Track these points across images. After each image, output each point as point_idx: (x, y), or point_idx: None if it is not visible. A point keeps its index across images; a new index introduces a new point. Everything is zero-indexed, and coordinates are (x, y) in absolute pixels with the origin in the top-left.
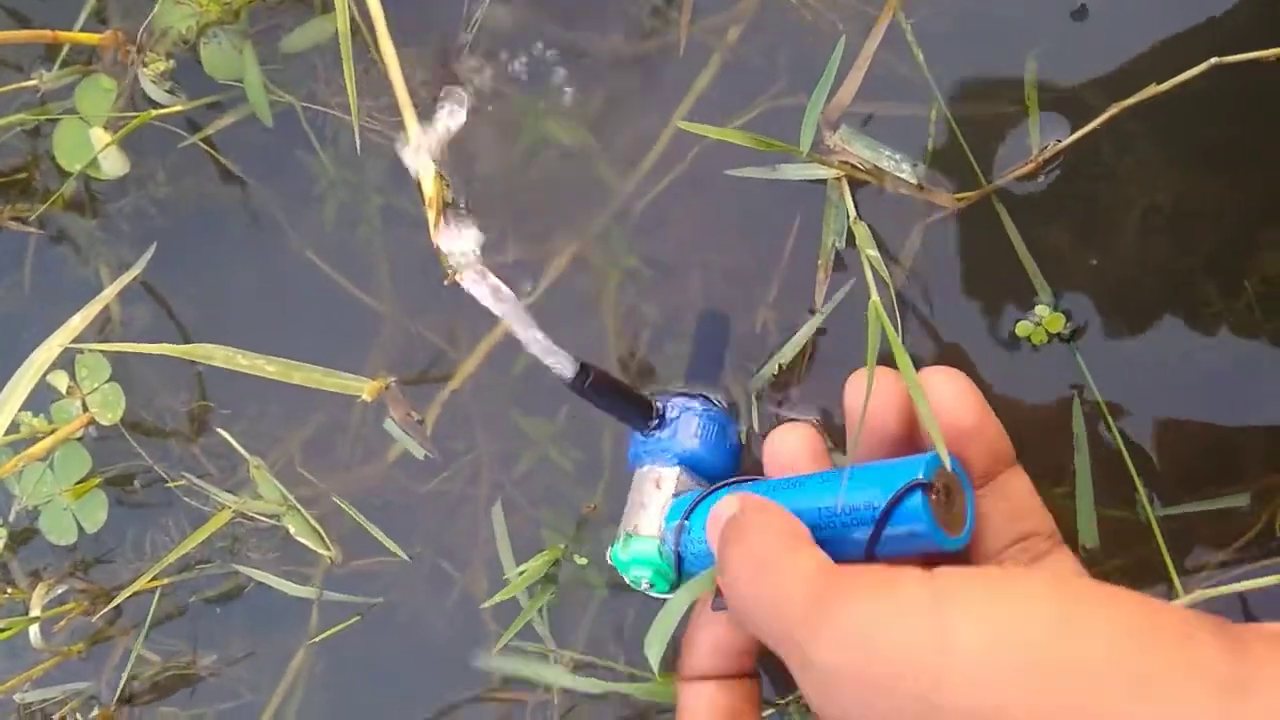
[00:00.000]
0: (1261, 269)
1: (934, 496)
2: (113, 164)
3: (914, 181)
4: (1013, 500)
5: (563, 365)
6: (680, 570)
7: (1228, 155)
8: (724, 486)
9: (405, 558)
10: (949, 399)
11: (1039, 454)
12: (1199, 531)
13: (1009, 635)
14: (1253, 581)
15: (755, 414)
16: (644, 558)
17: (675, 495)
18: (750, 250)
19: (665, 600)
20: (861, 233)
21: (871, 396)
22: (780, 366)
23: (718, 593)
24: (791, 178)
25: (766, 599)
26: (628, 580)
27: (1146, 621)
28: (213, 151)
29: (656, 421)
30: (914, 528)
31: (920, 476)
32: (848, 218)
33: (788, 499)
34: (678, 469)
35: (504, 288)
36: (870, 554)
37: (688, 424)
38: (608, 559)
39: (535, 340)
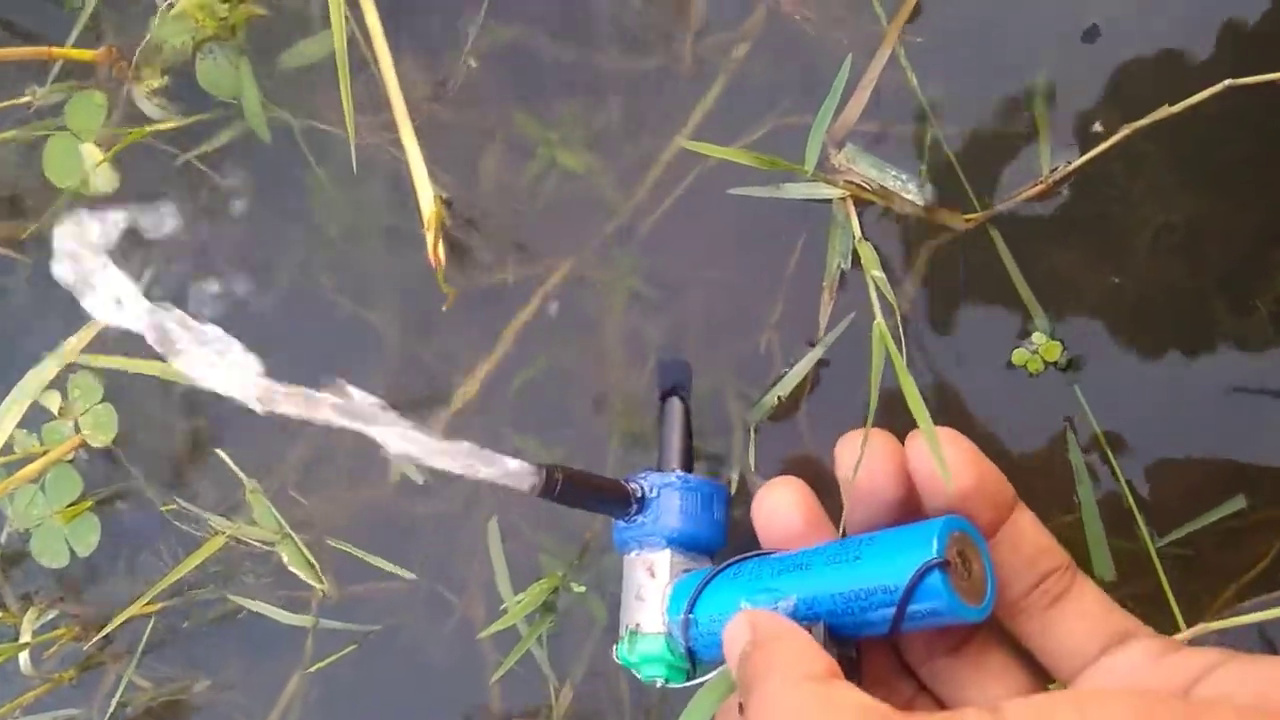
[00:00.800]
0: (1274, 289)
1: (952, 570)
2: (104, 180)
3: (920, 202)
4: (1024, 543)
5: (523, 478)
6: (695, 660)
7: (1240, 176)
8: (723, 569)
9: (410, 576)
10: (949, 463)
11: (1046, 483)
12: (1209, 561)
13: None
14: (1257, 615)
15: (752, 451)
16: (653, 657)
17: (672, 579)
18: (754, 270)
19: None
20: (867, 253)
21: (867, 461)
22: (779, 399)
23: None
24: (795, 197)
25: None
26: (641, 677)
27: None
28: (208, 169)
29: (636, 506)
30: (935, 605)
31: (934, 554)
32: (853, 238)
33: (796, 585)
34: (668, 550)
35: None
36: (892, 635)
37: (669, 502)
38: (614, 658)
39: (486, 465)
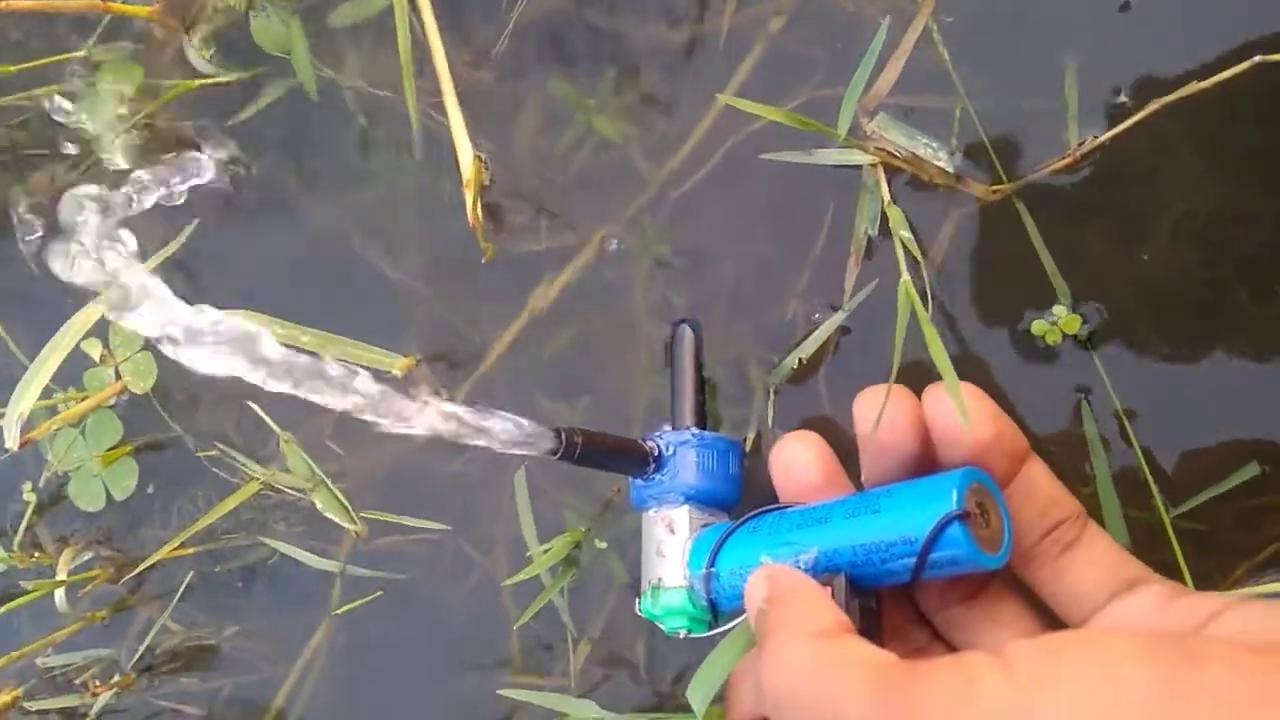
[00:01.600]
0: None
1: (971, 520)
2: (121, 155)
3: (950, 169)
4: (1037, 493)
5: (542, 442)
6: (716, 611)
7: (1267, 159)
8: (742, 523)
9: (441, 528)
10: (969, 415)
11: (1063, 453)
12: (1224, 539)
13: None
14: (1266, 587)
15: (771, 410)
16: (676, 609)
17: (691, 535)
18: (783, 240)
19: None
20: (895, 215)
21: (887, 414)
22: (800, 361)
23: None
24: (827, 162)
25: (823, 697)
26: (664, 630)
27: (1259, 691)
28: (254, 126)
29: (653, 465)
30: (955, 554)
31: (954, 505)
32: (881, 204)
33: (816, 538)
34: (686, 507)
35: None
36: (913, 583)
37: (685, 460)
38: (638, 611)
39: (504, 431)
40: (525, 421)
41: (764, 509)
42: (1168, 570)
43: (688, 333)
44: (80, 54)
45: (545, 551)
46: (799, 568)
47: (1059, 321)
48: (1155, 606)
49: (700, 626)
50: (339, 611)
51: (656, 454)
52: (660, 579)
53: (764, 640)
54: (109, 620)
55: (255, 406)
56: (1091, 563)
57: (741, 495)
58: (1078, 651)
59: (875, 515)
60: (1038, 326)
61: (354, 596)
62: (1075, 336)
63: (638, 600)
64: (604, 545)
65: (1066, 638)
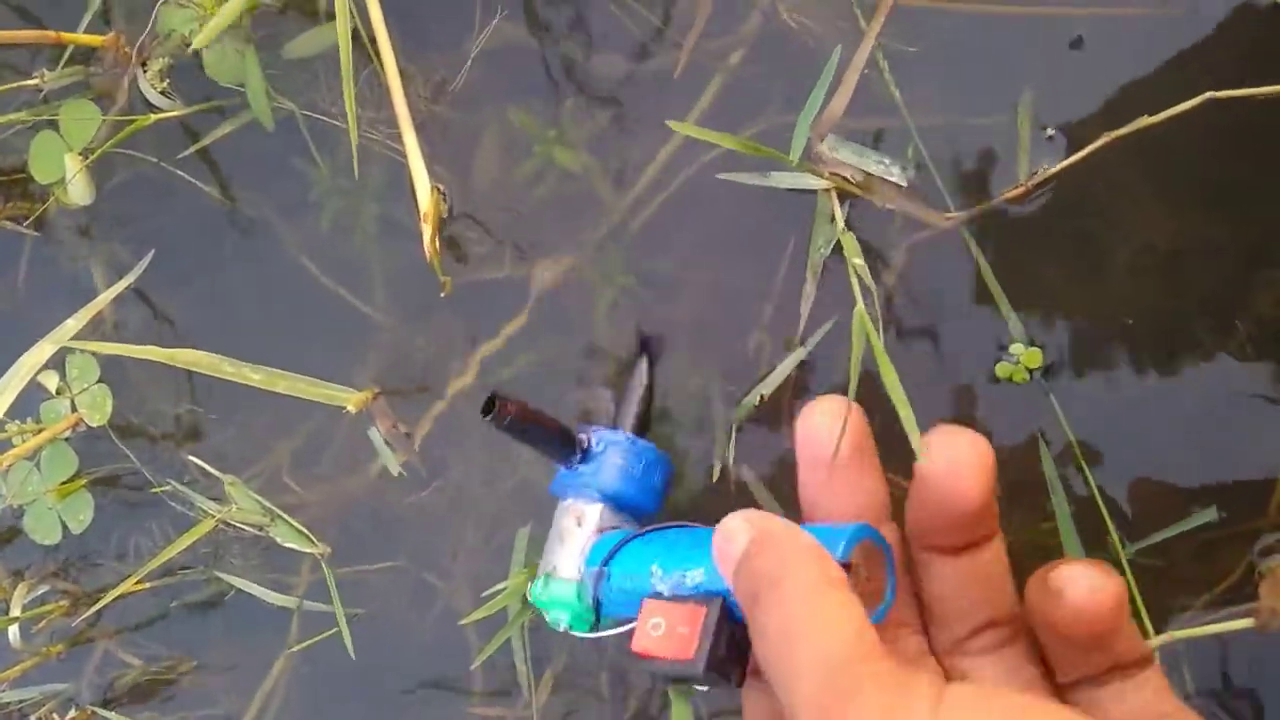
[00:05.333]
0: (1254, 310)
1: (852, 573)
2: (79, 192)
3: (902, 184)
4: (987, 582)
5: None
6: (599, 614)
7: (1222, 193)
8: (645, 532)
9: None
10: (964, 467)
11: (1026, 487)
12: (1182, 573)
13: None
14: (1222, 625)
15: (732, 447)
16: (562, 601)
17: (597, 532)
18: (744, 272)
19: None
20: (849, 243)
21: (829, 426)
22: (762, 398)
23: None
24: (782, 185)
25: (788, 669)
26: (547, 619)
27: None
28: (210, 157)
29: (579, 455)
30: None
31: (839, 558)
32: (836, 230)
33: (706, 560)
34: (600, 505)
35: None
36: None
37: (612, 459)
38: (527, 597)
39: None
40: None
41: (669, 524)
42: (1134, 604)
43: (651, 346)
44: (33, 82)
45: (500, 591)
46: (681, 587)
47: (1020, 359)
48: None
49: (582, 625)
50: (296, 649)
51: (585, 445)
52: (556, 568)
53: (762, 589)
54: (65, 655)
55: (195, 459)
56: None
57: (660, 509)
58: (1011, 709)
59: None
60: (1002, 369)
61: (314, 627)
62: (1039, 369)
63: (529, 586)
64: None
65: (1003, 698)
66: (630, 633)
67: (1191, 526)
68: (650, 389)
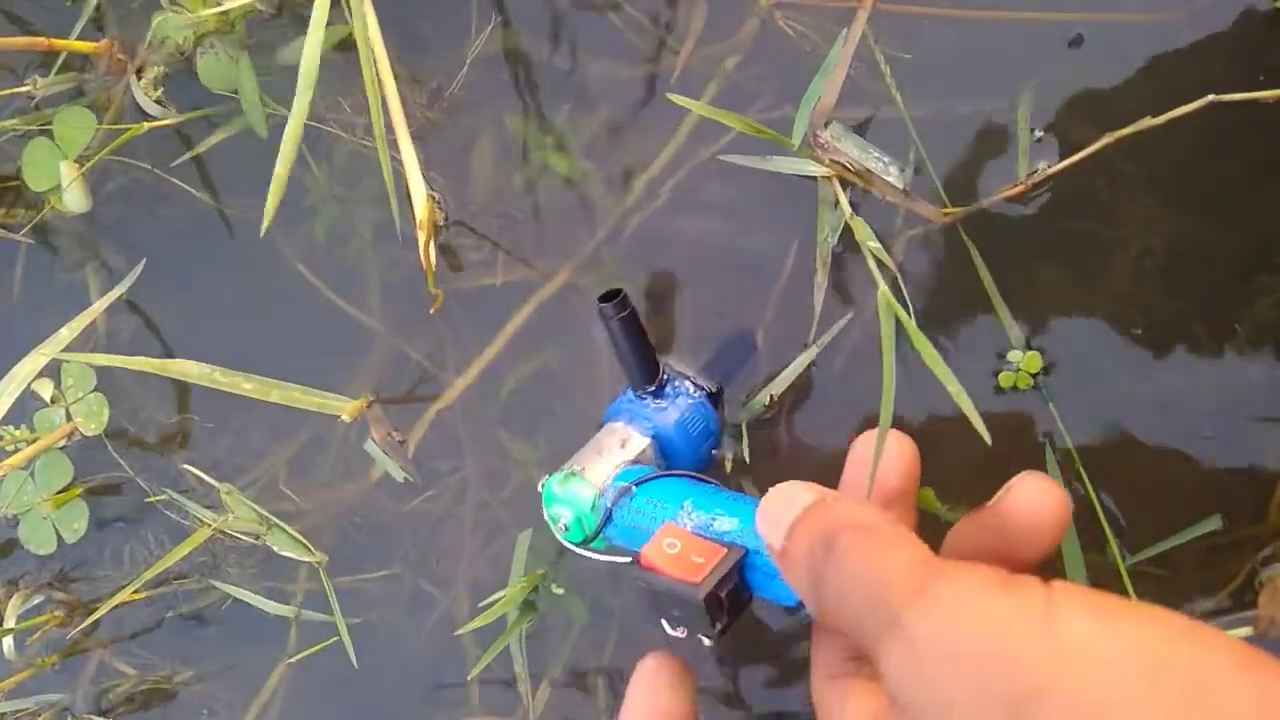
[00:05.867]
0: (1254, 313)
1: None
2: (75, 200)
3: (900, 185)
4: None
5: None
6: (603, 529)
7: (1223, 196)
8: (686, 475)
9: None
10: (1048, 517)
11: None
12: (1186, 580)
13: (1127, 633)
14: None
15: (746, 444)
16: (576, 500)
17: (634, 462)
18: (746, 275)
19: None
20: (859, 226)
21: (877, 455)
22: (772, 398)
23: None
24: (783, 170)
25: (874, 575)
26: (545, 515)
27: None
28: (205, 165)
29: (654, 388)
30: None
31: None
32: (843, 216)
33: (742, 515)
34: (649, 441)
35: None
36: (798, 609)
37: (680, 406)
38: (538, 486)
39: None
40: None
41: (702, 477)
42: None
43: (750, 340)
44: (26, 89)
45: (498, 600)
46: (709, 529)
47: (1020, 365)
48: None
49: (578, 533)
50: (293, 659)
51: (664, 380)
52: (583, 468)
53: (837, 531)
54: (60, 665)
55: (191, 468)
56: None
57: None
58: (1114, 597)
59: None
60: (1005, 379)
61: (311, 636)
62: (1037, 375)
63: (546, 475)
64: (561, 590)
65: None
66: (616, 564)
67: (1194, 536)
68: (745, 362)
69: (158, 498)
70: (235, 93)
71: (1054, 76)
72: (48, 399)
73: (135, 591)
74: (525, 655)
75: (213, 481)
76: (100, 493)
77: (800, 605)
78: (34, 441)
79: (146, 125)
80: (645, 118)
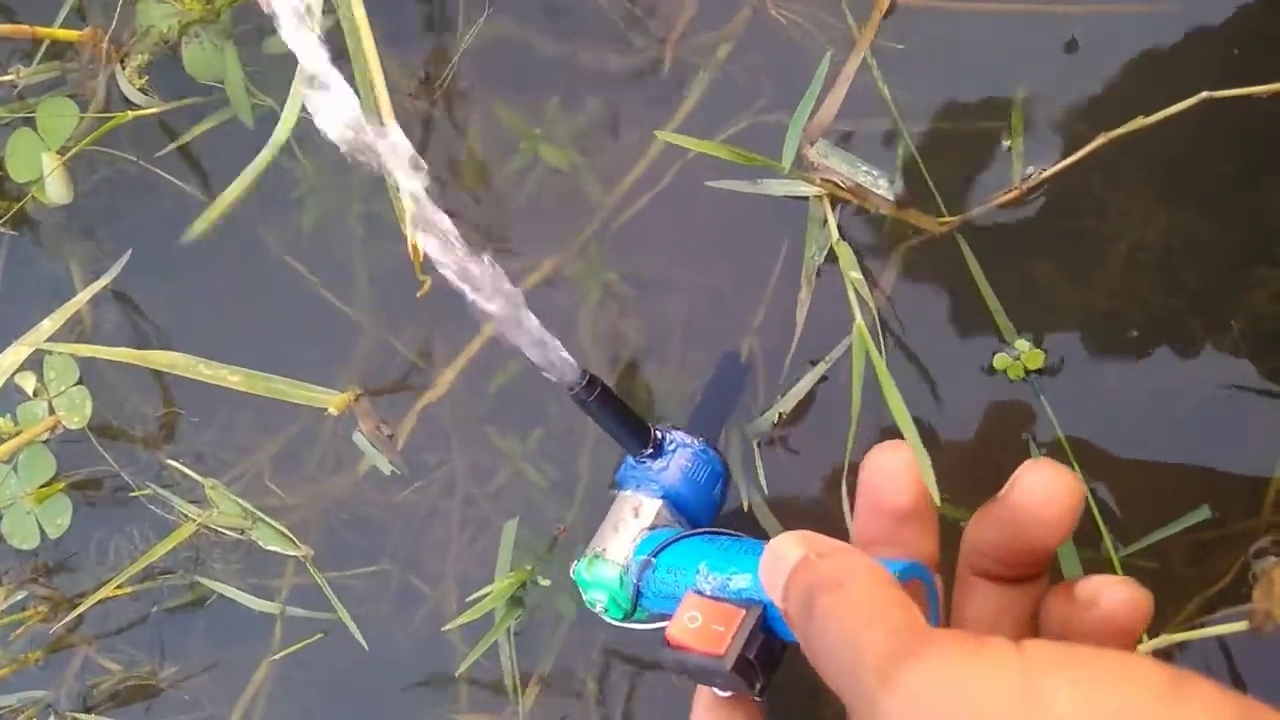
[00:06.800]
0: (1249, 308)
1: None
2: (56, 191)
3: (890, 198)
4: (1028, 612)
5: (566, 372)
6: (637, 602)
7: (1218, 193)
8: (702, 533)
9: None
10: (1060, 505)
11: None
12: (1178, 574)
13: (1108, 706)
14: (1214, 629)
15: (760, 465)
16: (605, 582)
17: (651, 528)
18: (736, 274)
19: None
20: (844, 254)
21: (888, 471)
22: (780, 415)
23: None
24: (773, 193)
25: (849, 647)
26: (584, 598)
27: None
28: (190, 155)
29: (651, 450)
30: None
31: None
32: (829, 238)
33: (755, 568)
34: (660, 503)
35: (504, 279)
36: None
37: (680, 461)
38: (570, 573)
39: (540, 342)
40: (560, 347)
41: (722, 530)
42: None
43: (739, 361)
44: (8, 78)
45: (486, 595)
46: (725, 589)
47: (1022, 355)
48: None
49: (616, 611)
50: (278, 656)
51: (658, 440)
52: (605, 549)
53: (819, 595)
54: (44, 662)
55: (175, 463)
56: None
57: (712, 521)
58: (1090, 650)
59: None
60: (1000, 360)
61: (297, 630)
62: (1032, 370)
63: (575, 562)
64: (548, 583)
65: (1083, 646)
66: (658, 631)
67: (1183, 527)
68: (733, 403)
69: (142, 492)
70: (221, 82)
71: (1049, 79)
72: (30, 392)
73: (119, 587)
74: (514, 651)
75: (197, 476)
76: (84, 487)
77: None
78: (17, 435)
79: (130, 114)
80: (636, 109)
